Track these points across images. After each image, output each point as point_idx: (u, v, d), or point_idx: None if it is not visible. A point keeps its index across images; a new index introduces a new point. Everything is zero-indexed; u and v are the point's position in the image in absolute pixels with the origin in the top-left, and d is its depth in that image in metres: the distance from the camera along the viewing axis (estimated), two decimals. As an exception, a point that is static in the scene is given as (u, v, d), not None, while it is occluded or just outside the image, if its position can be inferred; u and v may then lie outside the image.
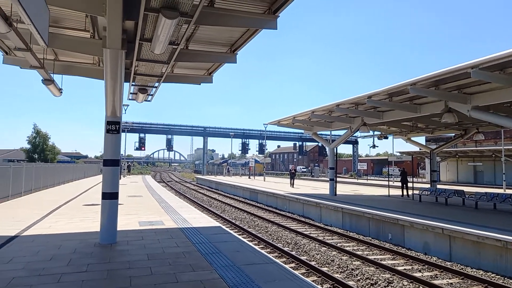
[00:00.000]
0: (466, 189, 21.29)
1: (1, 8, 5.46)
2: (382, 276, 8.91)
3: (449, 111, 14.07)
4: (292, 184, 31.27)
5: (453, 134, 25.35)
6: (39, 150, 52.65)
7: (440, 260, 10.74)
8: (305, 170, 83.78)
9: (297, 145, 70.98)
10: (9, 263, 6.35)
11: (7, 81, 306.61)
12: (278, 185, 33.84)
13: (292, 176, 32.82)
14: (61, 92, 10.98)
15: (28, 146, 53.61)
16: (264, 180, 43.02)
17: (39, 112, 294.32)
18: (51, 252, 7.11)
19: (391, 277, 8.90)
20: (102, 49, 7.10)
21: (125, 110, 36.29)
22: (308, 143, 76.67)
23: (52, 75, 10.03)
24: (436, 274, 9.34)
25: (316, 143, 77.04)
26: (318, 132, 25.39)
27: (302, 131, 29.40)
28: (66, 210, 13.14)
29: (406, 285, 8.35)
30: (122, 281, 5.54)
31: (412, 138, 26.26)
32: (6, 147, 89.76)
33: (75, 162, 58.08)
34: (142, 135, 58.45)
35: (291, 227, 15.19)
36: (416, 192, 20.70)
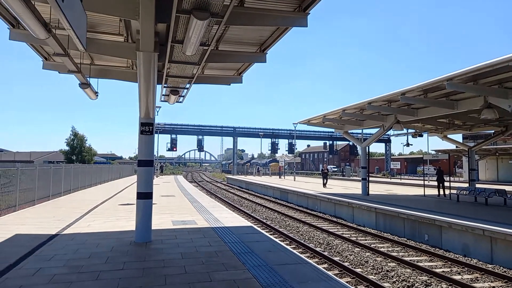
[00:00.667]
0: (507, 188, 20.29)
1: (41, 15, 5.68)
2: (419, 278, 8.63)
3: (489, 106, 13.45)
4: (324, 184, 30.30)
5: (493, 131, 24.25)
6: (77, 152, 54.75)
7: (480, 262, 10.28)
8: (336, 169, 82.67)
9: (327, 144, 70.15)
10: (51, 260, 6.61)
11: (47, 86, 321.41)
12: (308, 185, 33.58)
13: (325, 176, 31.63)
14: (97, 95, 11.35)
15: (67, 148, 55.87)
16: (294, 180, 42.79)
17: (76, 115, 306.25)
18: (90, 250, 7.35)
19: (428, 279, 8.61)
20: (135, 52, 7.27)
21: (157, 112, 37.13)
22: (338, 142, 75.62)
23: (88, 79, 10.39)
24: (477, 277, 8.94)
25: (347, 142, 75.80)
26: (349, 131, 24.97)
27: (333, 130, 29.04)
28: (102, 210, 13.58)
29: (445, 288, 8.05)
30: (157, 279, 5.64)
31: (449, 136, 25.34)
32: (46, 149, 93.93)
33: (111, 163, 60.00)
34: (173, 136, 59.57)
35: (323, 227, 15.01)
36: (453, 191, 19.93)
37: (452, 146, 31.82)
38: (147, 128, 8.17)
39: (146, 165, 8.23)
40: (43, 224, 10.32)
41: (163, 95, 13.68)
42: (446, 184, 21.93)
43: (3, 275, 5.67)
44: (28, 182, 14.23)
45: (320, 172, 76.81)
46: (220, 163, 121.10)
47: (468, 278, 8.83)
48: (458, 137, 33.28)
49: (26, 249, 7.35)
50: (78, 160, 52.93)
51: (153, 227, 8.65)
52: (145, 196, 8.20)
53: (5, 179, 13.02)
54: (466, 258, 10.77)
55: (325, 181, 30.82)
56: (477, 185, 23.00)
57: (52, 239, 8.34)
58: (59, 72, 11.04)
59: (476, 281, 8.69)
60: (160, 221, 10.91)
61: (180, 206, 15.25)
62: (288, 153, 69.01)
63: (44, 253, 7.08)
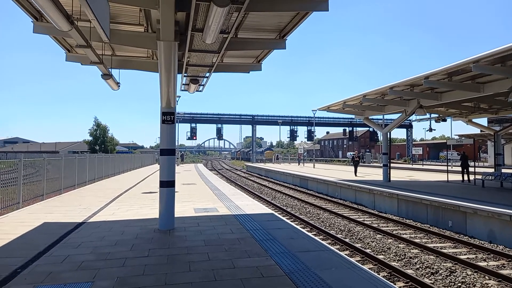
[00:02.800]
0: (535, 173, 19.66)
1: (63, 7, 5.75)
2: (443, 265, 8.52)
3: (517, 89, 12.99)
4: (356, 173, 26.90)
5: (520, 115, 23.46)
6: (100, 142, 55.95)
7: (507, 249, 10.05)
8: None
9: (347, 130, 69.29)
10: (78, 247, 6.81)
11: (70, 78, 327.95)
12: (328, 171, 33.34)
13: (356, 164, 27.76)
14: (119, 86, 11.51)
15: (90, 138, 57.14)
16: (314, 167, 42.62)
17: (99, 106, 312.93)
18: (115, 238, 7.53)
19: (453, 266, 8.49)
20: (156, 42, 7.31)
21: (177, 101, 37.39)
22: (358, 129, 74.60)
23: (110, 69, 10.52)
24: (503, 264, 8.76)
25: (367, 128, 74.72)
26: (370, 117, 24.61)
27: (353, 116, 28.62)
28: (126, 198, 13.87)
29: (470, 275, 7.91)
30: (181, 266, 5.75)
31: (473, 120, 24.65)
32: (70, 140, 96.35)
33: (133, 152, 61.06)
34: (193, 125, 60.02)
35: (344, 214, 14.95)
36: (478, 177, 19.46)
37: (477, 131, 30.93)
38: (169, 117, 8.24)
39: (168, 154, 8.33)
40: (70, 212, 10.63)
41: (183, 84, 13.75)
42: (471, 169, 21.42)
43: (33, 262, 5.88)
44: (54, 172, 14.65)
45: (347, 158, 76.30)
46: (239, 151, 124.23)
47: (494, 265, 8.66)
48: (483, 121, 32.34)
49: (55, 236, 7.59)
50: (101, 150, 54.10)
51: (176, 214, 8.79)
52: (167, 184, 8.32)
53: (32, 169, 13.45)
54: (492, 244, 10.55)
55: (356, 169, 27.50)
56: (503, 170, 22.36)
57: (79, 227, 8.59)
58: (81, 64, 11.22)
59: (502, 267, 8.52)
60: (182, 209, 11.08)
61: (201, 194, 15.43)
62: (307, 140, 68.64)
63: (72, 241, 7.30)
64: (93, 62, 9.17)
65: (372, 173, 30.42)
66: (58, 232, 7.96)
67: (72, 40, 9.38)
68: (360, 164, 33.90)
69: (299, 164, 54.70)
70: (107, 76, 10.19)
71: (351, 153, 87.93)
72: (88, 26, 7.77)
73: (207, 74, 12.07)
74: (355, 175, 26.09)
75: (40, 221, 9.24)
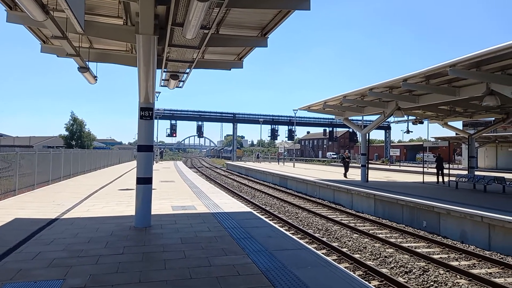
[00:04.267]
0: (506, 175, 20.32)
1: (38, -4, 5.56)
2: (417, 264, 8.69)
3: (491, 93, 13.35)
4: (345, 174, 25.25)
5: (493, 118, 24.19)
6: (76, 137, 54.79)
7: (478, 249, 10.35)
8: (335, 156, 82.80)
9: (327, 131, 70.05)
10: (51, 244, 6.63)
11: (45, 70, 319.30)
12: (308, 171, 33.58)
13: (346, 164, 25.61)
14: (96, 80, 11.25)
15: (66, 133, 55.82)
16: (294, 166, 42.86)
17: (75, 99, 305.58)
18: (89, 235, 7.36)
19: (426, 265, 8.67)
20: (135, 36, 7.17)
21: (157, 97, 36.93)
22: (338, 129, 75.43)
23: (87, 63, 10.27)
24: (474, 263, 9.01)
25: (347, 129, 75.67)
26: (350, 118, 24.90)
27: (333, 116, 28.87)
28: (102, 195, 13.60)
29: (442, 274, 8.10)
30: (157, 264, 5.66)
31: (449, 123, 25.29)
32: (45, 134, 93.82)
33: (110, 148, 59.98)
34: (173, 122, 59.38)
35: (322, 213, 15.08)
36: (452, 179, 19.98)
37: (452, 133, 31.80)
38: (147, 113, 8.10)
39: (146, 150, 8.18)
40: (43, 208, 10.33)
41: (163, 79, 13.56)
42: (446, 171, 21.97)
43: (2, 259, 5.68)
44: (28, 167, 14.22)
45: (327, 158, 77.08)
46: (214, 149, 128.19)
47: (465, 264, 8.89)
48: (458, 124, 33.18)
49: (26, 233, 7.36)
50: (78, 145, 52.97)
51: (153, 212, 8.66)
52: (144, 181, 8.18)
53: (5, 163, 13.01)
54: (464, 244, 10.83)
55: (346, 170, 25.58)
56: (476, 173, 23.03)
57: (52, 224, 8.36)
58: (57, 56, 10.90)
59: (473, 267, 8.75)
60: (159, 206, 10.93)
61: (180, 191, 15.27)
62: (288, 140, 69.03)
63: (44, 237, 7.09)
64: (70, 54, 8.93)
65: (351, 173, 30.82)
66: (29, 229, 7.72)
67: (47, 31, 9.08)
68: (340, 164, 33.65)
69: (278, 163, 54.91)
70: (84, 69, 9.94)
71: (331, 153, 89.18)
72: (64, 17, 7.54)
73: (188, 70, 11.93)
74: (345, 177, 24.66)
75: (11, 216, 8.95)
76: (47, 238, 7.06)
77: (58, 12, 7.28)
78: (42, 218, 8.88)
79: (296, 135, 67.47)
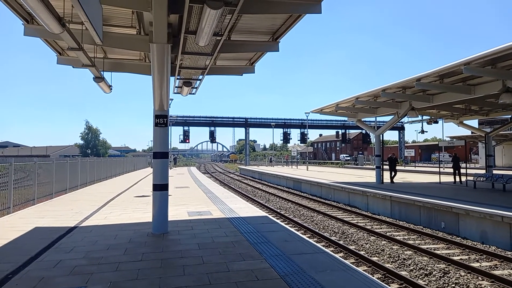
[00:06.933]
0: (526, 174, 19.88)
1: (55, 9, 5.70)
2: (437, 266, 8.56)
3: (508, 90, 13.14)
4: (392, 178, 21.56)
5: (510, 116, 23.74)
6: (92, 146, 55.66)
7: (499, 250, 10.13)
8: (348, 158, 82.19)
9: (340, 133, 69.58)
10: (71, 252, 6.73)
11: (61, 80, 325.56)
12: (322, 174, 33.38)
13: (393, 165, 21.80)
14: (111, 89, 11.43)
15: (81, 142, 56.72)
16: (307, 170, 42.69)
17: (90, 109, 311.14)
18: (108, 242, 7.45)
19: (446, 267, 8.53)
20: (148, 45, 7.27)
21: (170, 104, 37.25)
22: (351, 131, 74.80)
23: (102, 72, 10.45)
24: (496, 264, 8.83)
25: (360, 131, 74.98)
26: (363, 119, 24.72)
27: (345, 118, 28.71)
28: (119, 202, 13.75)
29: (463, 276, 7.96)
30: (176, 270, 5.70)
31: (464, 122, 24.89)
32: (62, 143, 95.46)
33: (125, 156, 60.69)
34: (186, 128, 59.69)
35: (337, 216, 14.97)
36: (469, 178, 19.63)
37: (468, 132, 31.26)
38: (162, 120, 8.19)
39: (161, 157, 8.27)
40: (62, 217, 10.51)
41: (176, 87, 13.70)
42: (462, 170, 21.60)
43: (25, 267, 5.79)
44: (46, 176, 14.48)
45: (340, 161, 76.28)
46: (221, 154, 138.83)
47: (487, 266, 8.72)
48: (474, 123, 32.70)
49: (46, 241, 7.49)
50: (93, 153, 53.77)
51: (169, 218, 8.72)
52: (161, 187, 8.26)
53: (23, 173, 13.27)
54: (484, 245, 10.62)
55: (392, 173, 21.68)
56: (494, 171, 22.60)
57: (71, 232, 8.49)
58: (73, 67, 11.12)
59: (495, 268, 8.58)
60: (175, 212, 11.00)
61: (195, 197, 15.35)
62: (300, 143, 68.69)
63: (64, 245, 7.21)
64: (85, 65, 9.10)
65: (365, 175, 30.55)
66: (50, 237, 7.86)
67: (63, 43, 9.29)
68: (353, 166, 33.07)
69: (292, 166, 54.74)
70: (99, 79, 10.12)
71: (344, 155, 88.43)
72: (79, 28, 7.71)
73: (200, 77, 12.04)
74: (391, 181, 21.52)
75: (32, 225, 9.11)
76: (67, 246, 7.17)
77: (73, 24, 7.45)
78: (61, 227, 9.03)
79: (308, 138, 67.19)
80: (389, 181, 21.58)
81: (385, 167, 21.82)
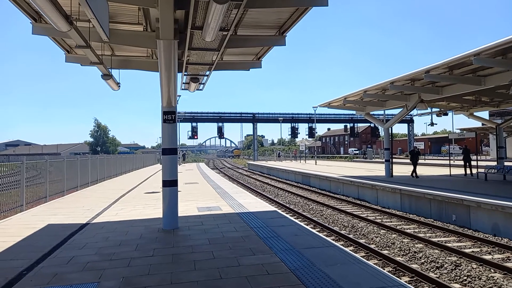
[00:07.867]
0: (538, 165, 19.58)
1: (62, 7, 5.72)
2: (448, 259, 8.50)
3: (519, 81, 12.93)
4: (414, 172, 20.18)
5: (522, 107, 23.37)
6: (101, 143, 56.13)
7: (512, 242, 10.03)
8: (357, 152, 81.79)
9: (348, 126, 69.17)
10: (83, 248, 6.82)
11: (69, 78, 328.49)
12: (331, 168, 33.27)
13: (414, 158, 20.61)
14: (119, 86, 11.48)
15: (91, 140, 57.22)
16: (316, 164, 42.58)
17: (99, 106, 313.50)
18: (120, 238, 7.53)
19: (458, 260, 8.46)
20: (155, 41, 7.28)
21: (178, 100, 37.34)
22: (359, 125, 74.26)
23: (110, 70, 10.49)
24: (509, 256, 8.73)
25: (368, 124, 74.48)
26: (371, 112, 24.54)
27: (354, 112, 28.54)
28: (129, 198, 13.88)
29: (475, 268, 7.89)
30: (187, 265, 5.74)
31: (475, 113, 24.57)
32: (72, 141, 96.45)
33: (134, 153, 61.12)
34: (194, 124, 59.78)
35: (347, 210, 14.93)
36: (481, 170, 19.41)
37: (478, 124, 30.83)
38: (170, 117, 8.22)
39: (170, 153, 8.31)
40: (73, 213, 10.64)
41: (183, 83, 13.72)
42: (473, 163, 21.37)
43: (38, 264, 5.88)
44: (57, 174, 14.67)
45: (349, 155, 76.00)
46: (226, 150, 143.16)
47: (499, 258, 8.63)
48: (485, 114, 32.30)
49: (59, 238, 7.60)
50: (103, 150, 54.22)
51: (179, 214, 8.78)
52: (170, 183, 8.31)
53: (35, 171, 13.45)
54: (496, 237, 10.52)
55: (414, 167, 20.37)
56: (506, 163, 22.31)
57: (83, 228, 8.60)
58: (81, 65, 11.19)
59: (508, 260, 8.49)
60: (185, 208, 11.07)
61: (204, 192, 15.43)
62: (308, 137, 68.47)
63: (76, 242, 7.30)
64: (93, 62, 9.14)
65: (374, 168, 30.38)
66: (62, 234, 7.96)
67: (71, 41, 9.35)
68: (362, 160, 32.97)
69: (300, 161, 54.60)
70: (107, 76, 10.16)
71: (353, 149, 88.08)
72: (87, 26, 7.74)
73: (207, 73, 12.04)
74: (415, 175, 20.17)
75: (44, 223, 9.25)
76: (80, 242, 7.27)
77: (81, 22, 7.47)
78: (73, 223, 9.15)
79: (316, 132, 66.88)
80: (406, 174, 21.06)
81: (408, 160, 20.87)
